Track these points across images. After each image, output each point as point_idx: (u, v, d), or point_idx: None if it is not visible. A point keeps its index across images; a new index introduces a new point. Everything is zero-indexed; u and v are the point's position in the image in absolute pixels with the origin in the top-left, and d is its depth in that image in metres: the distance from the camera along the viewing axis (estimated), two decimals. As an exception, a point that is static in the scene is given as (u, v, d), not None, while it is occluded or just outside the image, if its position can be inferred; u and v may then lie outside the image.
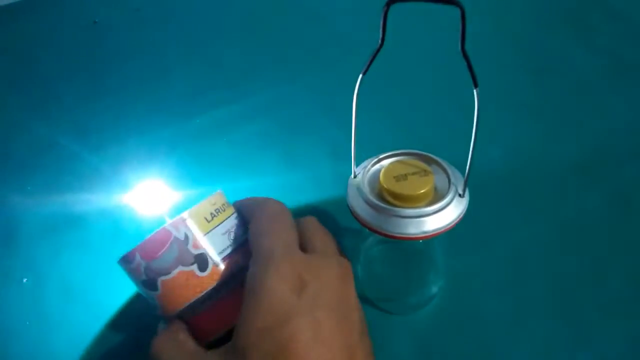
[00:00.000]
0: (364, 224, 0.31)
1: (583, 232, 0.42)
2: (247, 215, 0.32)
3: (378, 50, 0.28)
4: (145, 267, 0.31)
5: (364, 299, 0.37)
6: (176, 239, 0.30)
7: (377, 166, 0.34)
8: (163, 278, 0.30)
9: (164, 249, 0.30)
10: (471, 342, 0.36)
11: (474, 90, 0.27)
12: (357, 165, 0.34)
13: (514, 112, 0.53)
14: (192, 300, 0.31)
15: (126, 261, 0.31)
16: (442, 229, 0.30)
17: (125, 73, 0.63)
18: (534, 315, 0.37)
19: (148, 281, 0.31)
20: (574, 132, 0.51)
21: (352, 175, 0.34)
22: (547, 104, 0.54)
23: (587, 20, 0.64)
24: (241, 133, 0.52)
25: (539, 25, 0.66)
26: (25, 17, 0.72)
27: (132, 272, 0.31)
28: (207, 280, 0.31)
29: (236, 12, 0.71)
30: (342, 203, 0.33)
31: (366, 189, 0.32)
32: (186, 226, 0.30)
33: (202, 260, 0.31)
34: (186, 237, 0.30)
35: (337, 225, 0.41)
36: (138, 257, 0.31)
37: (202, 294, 0.30)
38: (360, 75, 0.30)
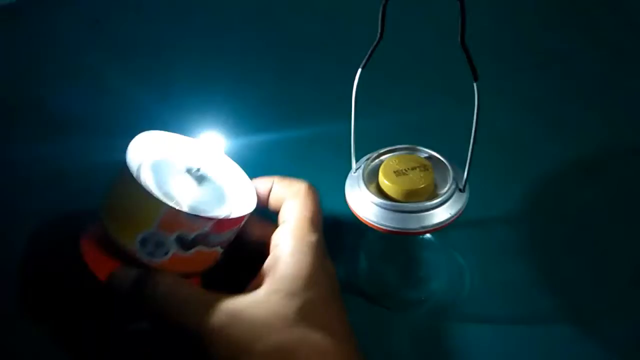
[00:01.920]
0: (363, 220, 0.31)
1: (584, 228, 0.42)
2: (285, 191, 0.35)
3: (377, 44, 0.28)
4: (202, 233, 0.31)
5: (364, 295, 0.37)
6: (239, 226, 0.33)
7: (376, 161, 0.34)
8: (201, 249, 0.32)
9: (230, 230, 0.33)
10: (471, 338, 0.36)
11: (474, 84, 0.27)
12: (357, 160, 0.34)
13: (515, 107, 0.53)
14: (200, 271, 0.33)
15: (191, 217, 0.30)
16: (442, 224, 0.30)
17: (128, 71, 0.63)
18: (534, 312, 0.37)
19: (188, 243, 0.31)
20: (576, 126, 0.51)
21: (352, 171, 0.33)
22: (548, 98, 0.54)
23: (590, 14, 0.64)
24: (239, 127, 0.52)
25: (541, 18, 0.65)
26: (26, 17, 0.72)
27: (181, 226, 0.31)
28: (218, 257, 0.34)
29: (239, 8, 0.71)
30: (342, 198, 0.33)
31: (366, 184, 0.32)
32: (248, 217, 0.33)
33: (229, 244, 0.34)
34: (244, 226, 0.34)
35: (337, 221, 0.41)
36: (206, 226, 0.31)
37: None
38: (359, 70, 0.30)
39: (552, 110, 0.53)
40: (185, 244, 0.31)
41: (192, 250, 0.31)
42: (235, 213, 0.33)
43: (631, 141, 0.49)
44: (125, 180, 0.31)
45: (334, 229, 0.41)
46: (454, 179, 0.32)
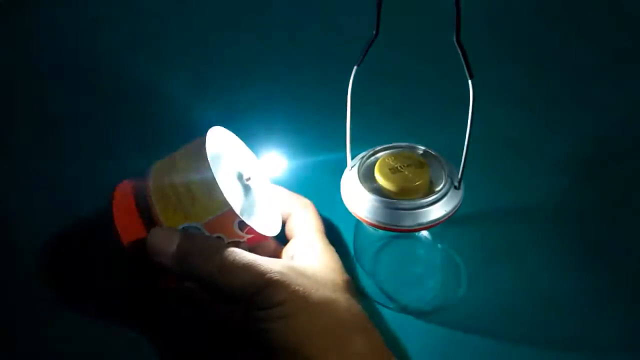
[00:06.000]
0: (359, 217, 0.31)
1: (582, 226, 0.42)
2: (293, 202, 0.38)
3: (372, 41, 0.28)
4: (237, 242, 0.31)
5: (361, 294, 0.37)
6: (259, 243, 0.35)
7: (372, 159, 0.34)
8: None
9: (256, 243, 0.34)
10: (468, 336, 0.36)
11: (469, 82, 0.27)
12: (352, 157, 0.34)
13: (511, 105, 0.53)
14: None
15: (243, 225, 0.30)
16: (438, 221, 0.30)
17: (125, 69, 0.62)
18: (532, 311, 0.37)
19: None
20: (572, 125, 0.51)
21: (347, 168, 0.33)
22: (544, 97, 0.54)
23: (586, 13, 0.64)
24: (237, 126, 0.52)
25: (537, 17, 0.66)
26: (22, 13, 0.72)
27: (225, 230, 0.29)
28: None
29: (235, 5, 0.71)
30: (337, 196, 0.33)
31: (361, 182, 0.32)
32: None
33: None
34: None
35: (332, 219, 0.41)
36: (245, 237, 0.31)
37: None
38: (355, 67, 0.30)
39: (549, 109, 0.53)
40: None
41: None
42: (266, 231, 0.32)
43: (629, 140, 0.49)
44: (197, 167, 0.28)
45: (329, 227, 0.41)
46: (449, 176, 0.32)
